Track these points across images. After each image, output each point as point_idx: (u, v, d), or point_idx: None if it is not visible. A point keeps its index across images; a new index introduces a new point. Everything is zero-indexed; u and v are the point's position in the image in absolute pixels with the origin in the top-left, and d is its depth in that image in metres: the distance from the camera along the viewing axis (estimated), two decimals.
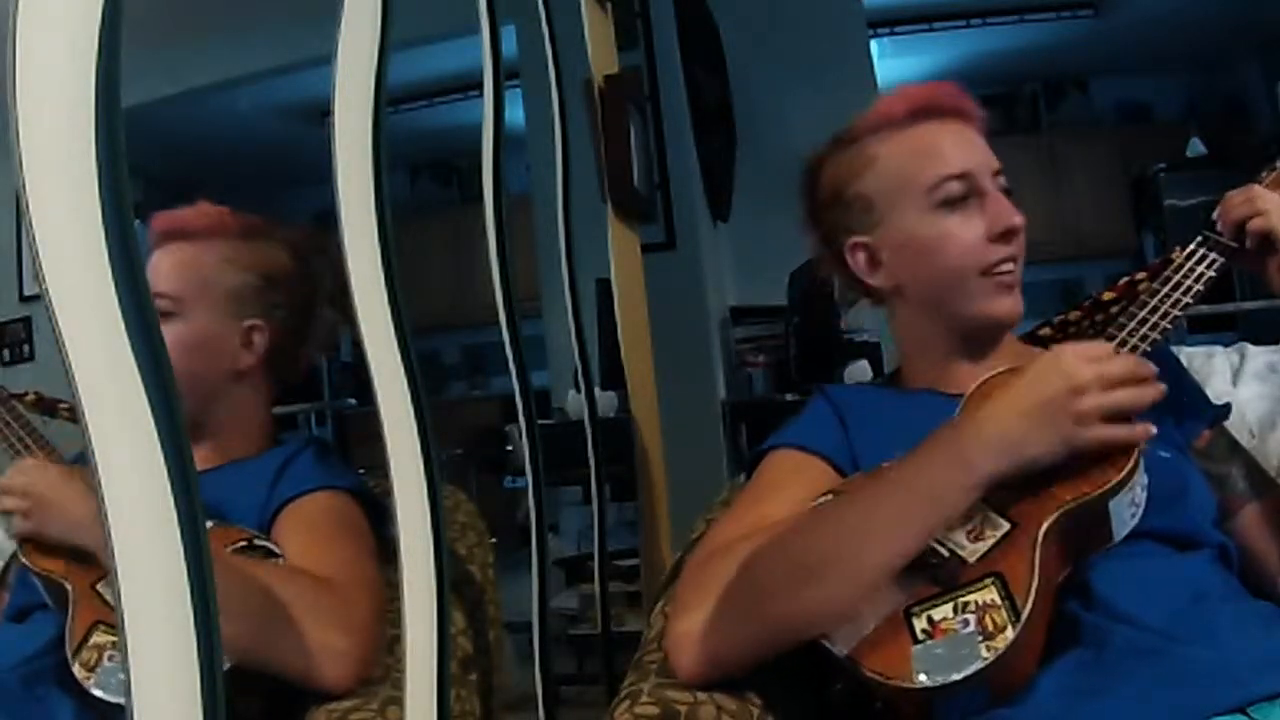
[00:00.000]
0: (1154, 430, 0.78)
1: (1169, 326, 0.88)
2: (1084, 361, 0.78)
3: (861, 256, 1.00)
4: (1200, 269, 0.93)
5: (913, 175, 0.96)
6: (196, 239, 1.14)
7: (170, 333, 1.07)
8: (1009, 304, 0.95)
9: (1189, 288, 0.91)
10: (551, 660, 1.46)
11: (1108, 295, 1.07)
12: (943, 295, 0.96)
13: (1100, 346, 0.81)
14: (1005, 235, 0.93)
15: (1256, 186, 0.94)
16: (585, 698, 2.49)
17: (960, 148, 0.96)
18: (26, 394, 1.24)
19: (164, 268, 1.11)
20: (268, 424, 1.19)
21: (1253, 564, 0.89)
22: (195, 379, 1.09)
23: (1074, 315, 1.12)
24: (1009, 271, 0.94)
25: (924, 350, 1.01)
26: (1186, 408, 0.97)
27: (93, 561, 0.97)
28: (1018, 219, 0.93)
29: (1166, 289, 0.91)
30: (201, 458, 1.08)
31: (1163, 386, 0.79)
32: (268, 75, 4.14)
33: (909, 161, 0.96)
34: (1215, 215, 0.96)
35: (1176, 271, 0.93)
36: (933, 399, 0.97)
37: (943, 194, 0.94)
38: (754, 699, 0.83)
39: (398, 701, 0.84)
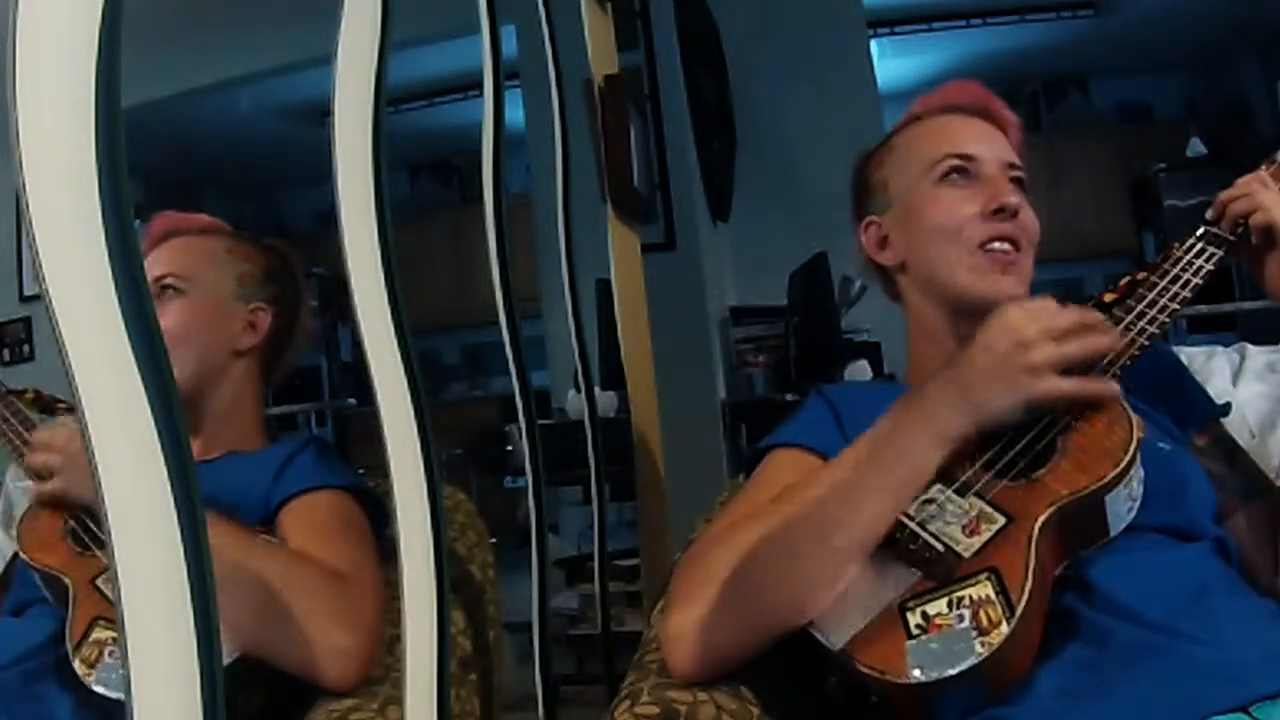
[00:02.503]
0: (1116, 388, 0.80)
1: (1167, 320, 0.89)
2: (1028, 317, 0.80)
3: (873, 233, 1.05)
4: (1199, 263, 0.93)
5: (920, 154, 1.01)
6: (198, 234, 1.21)
7: (182, 306, 1.12)
8: (1005, 284, 0.95)
9: (1187, 281, 0.92)
10: (551, 660, 1.46)
11: (1109, 296, 1.07)
12: (938, 268, 0.98)
13: (1045, 303, 0.83)
14: (998, 213, 0.95)
15: (1254, 181, 0.94)
16: (585, 698, 2.49)
17: (971, 136, 1.00)
18: (25, 391, 1.24)
19: (171, 254, 1.16)
20: (261, 419, 1.21)
21: (1244, 566, 0.89)
22: (202, 351, 1.14)
23: None
24: (1004, 251, 0.96)
25: (929, 343, 1.02)
26: (1187, 406, 0.97)
27: (93, 556, 0.97)
28: (1012, 198, 0.95)
29: (1165, 282, 0.92)
30: (196, 448, 1.08)
31: (1116, 333, 0.82)
32: (268, 75, 4.14)
33: (920, 144, 1.02)
34: (1210, 213, 0.96)
35: (1175, 265, 0.93)
36: None
37: (943, 168, 0.98)
38: (752, 698, 0.83)
39: (398, 701, 0.84)
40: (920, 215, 0.99)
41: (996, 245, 0.95)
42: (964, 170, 0.98)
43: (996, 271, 0.95)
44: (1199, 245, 0.95)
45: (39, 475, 1.02)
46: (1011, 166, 1.00)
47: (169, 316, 1.11)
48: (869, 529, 0.79)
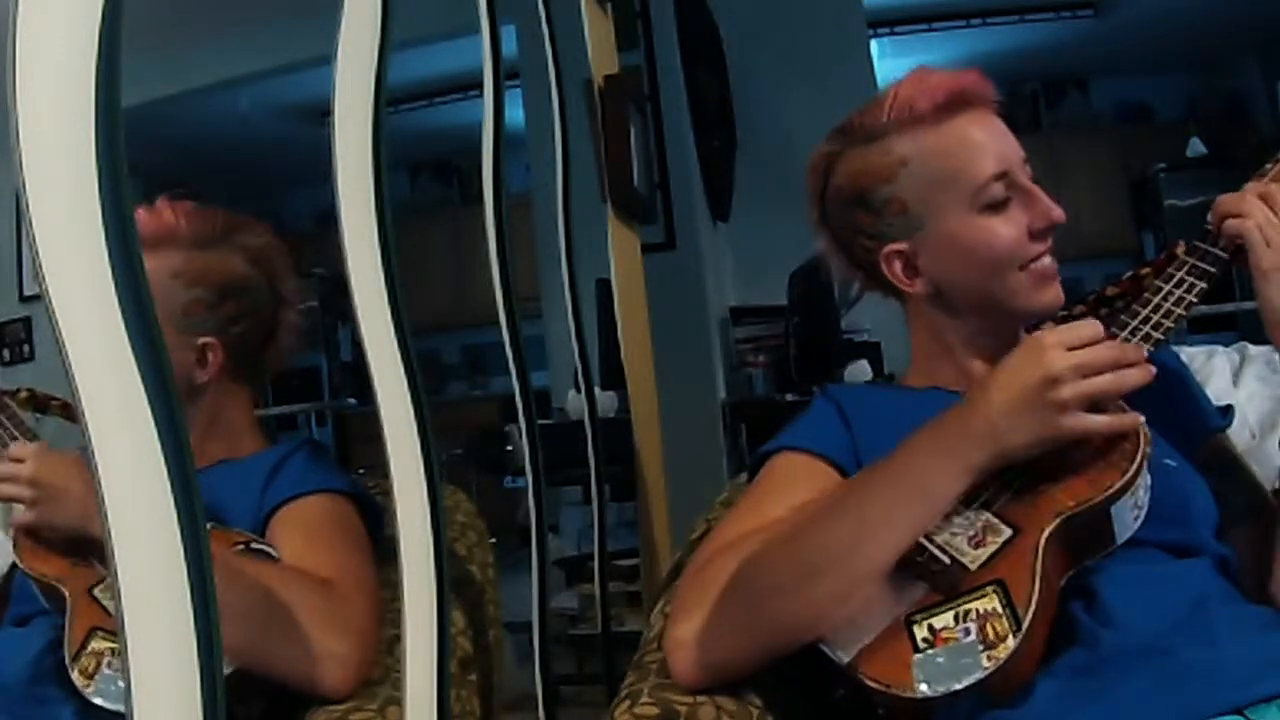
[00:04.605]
0: (1141, 418, 0.77)
1: (1173, 326, 0.87)
2: (1060, 349, 0.76)
3: (898, 265, 0.97)
4: (1204, 265, 0.90)
5: (952, 178, 0.92)
6: (147, 249, 1.09)
7: None
8: (1054, 294, 0.94)
9: (1192, 285, 0.89)
10: (551, 660, 1.46)
11: (1112, 290, 1.06)
12: (990, 294, 0.94)
13: (1082, 329, 0.78)
14: (1046, 230, 0.93)
15: (1250, 194, 0.90)
16: (585, 698, 2.49)
17: (995, 144, 0.93)
18: (19, 391, 1.23)
19: None
20: (251, 422, 1.17)
21: (1242, 580, 0.88)
22: None
23: (1078, 310, 1.10)
24: (1049, 263, 0.94)
25: (944, 349, 0.99)
26: (1191, 419, 0.96)
27: (90, 565, 0.97)
28: (1058, 213, 0.93)
29: (1170, 286, 0.89)
30: None
31: (1151, 369, 0.78)
32: (268, 75, 4.14)
33: (946, 163, 0.93)
34: (1210, 217, 0.94)
35: (1180, 268, 0.90)
36: (937, 396, 0.96)
37: (988, 197, 0.91)
38: (754, 700, 0.83)
39: (398, 702, 0.84)
40: (967, 247, 0.93)
41: (1046, 260, 0.93)
42: (1004, 191, 0.92)
43: (1049, 286, 0.94)
44: (1204, 248, 0.93)
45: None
46: (1026, 162, 0.95)
47: None
48: (883, 555, 0.78)
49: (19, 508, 0.99)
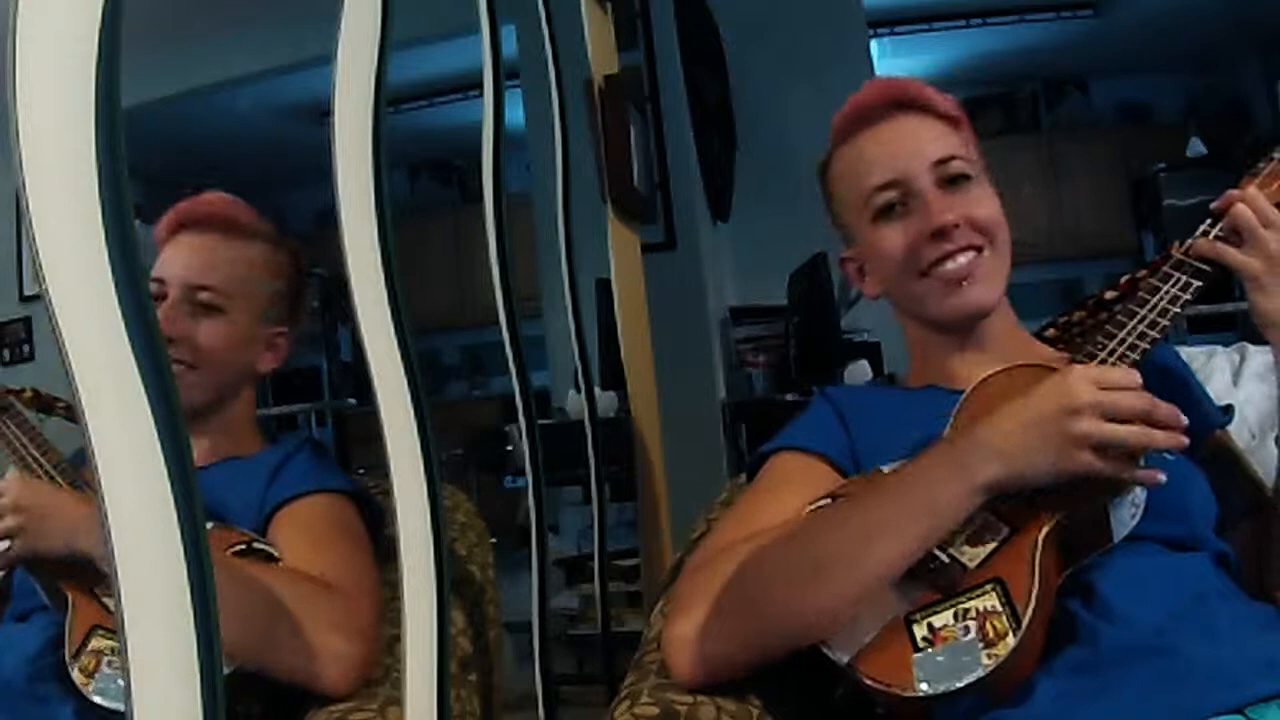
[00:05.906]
0: (1162, 479, 0.75)
1: (1169, 324, 0.87)
2: (1088, 384, 0.75)
3: (851, 268, 1.05)
4: (1200, 265, 0.90)
5: (853, 192, 0.99)
6: (243, 237, 1.15)
7: (219, 328, 1.10)
8: (972, 294, 0.93)
9: (1189, 284, 0.88)
10: (551, 660, 1.46)
11: (1110, 294, 1.06)
12: (906, 300, 0.99)
13: (1117, 373, 0.78)
14: (939, 235, 0.92)
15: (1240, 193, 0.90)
16: (585, 698, 2.49)
17: (888, 153, 0.96)
18: (24, 391, 1.23)
19: (216, 261, 1.11)
20: (255, 420, 1.20)
21: (1243, 578, 0.88)
22: (223, 377, 1.12)
23: (1077, 315, 1.11)
24: (951, 268, 0.93)
25: (925, 348, 1.01)
26: (1191, 416, 0.95)
27: (91, 564, 0.97)
28: (947, 217, 0.92)
29: (1167, 285, 0.89)
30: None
31: (1183, 439, 0.76)
32: (268, 75, 4.14)
33: (849, 178, 0.99)
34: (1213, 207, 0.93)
35: (1177, 268, 0.90)
36: (934, 395, 0.96)
37: (875, 206, 0.96)
38: (754, 700, 0.83)
39: (398, 702, 0.84)
40: (873, 255, 0.99)
41: (949, 266, 0.93)
42: (892, 199, 0.95)
43: (954, 291, 0.93)
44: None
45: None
46: (941, 163, 0.94)
47: (205, 335, 1.09)
48: (887, 566, 0.78)
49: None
